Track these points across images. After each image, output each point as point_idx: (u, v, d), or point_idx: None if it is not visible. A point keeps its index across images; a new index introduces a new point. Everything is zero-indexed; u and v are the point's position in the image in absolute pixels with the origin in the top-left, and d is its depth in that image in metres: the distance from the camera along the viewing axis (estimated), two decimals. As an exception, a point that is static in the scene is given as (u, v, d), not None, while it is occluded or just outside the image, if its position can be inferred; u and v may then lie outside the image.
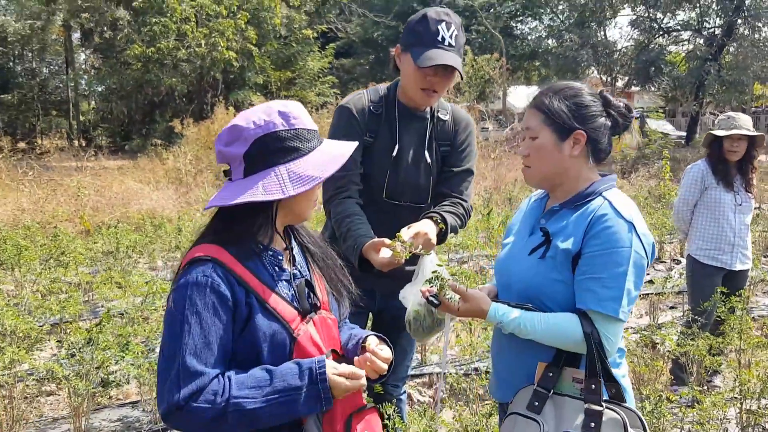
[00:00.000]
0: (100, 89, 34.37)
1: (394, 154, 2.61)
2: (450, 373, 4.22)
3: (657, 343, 4.66)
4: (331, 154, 1.67)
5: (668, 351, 4.36)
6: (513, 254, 2.09)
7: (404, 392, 3.00)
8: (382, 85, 2.77)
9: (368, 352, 1.68)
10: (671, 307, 6.50)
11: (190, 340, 1.48)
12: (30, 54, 37.32)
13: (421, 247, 2.20)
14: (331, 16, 33.69)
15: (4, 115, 31.30)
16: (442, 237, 2.46)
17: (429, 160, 2.66)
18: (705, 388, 4.20)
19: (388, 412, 2.76)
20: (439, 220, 2.45)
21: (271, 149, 1.59)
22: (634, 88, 32.49)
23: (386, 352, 1.74)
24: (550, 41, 34.53)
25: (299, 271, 1.75)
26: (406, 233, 2.23)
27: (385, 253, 2.25)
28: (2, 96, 32.09)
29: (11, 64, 35.55)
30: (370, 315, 2.89)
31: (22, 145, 23.83)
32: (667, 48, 30.40)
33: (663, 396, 3.17)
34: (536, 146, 1.97)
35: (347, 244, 2.41)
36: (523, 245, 2.04)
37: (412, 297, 2.11)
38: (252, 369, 1.54)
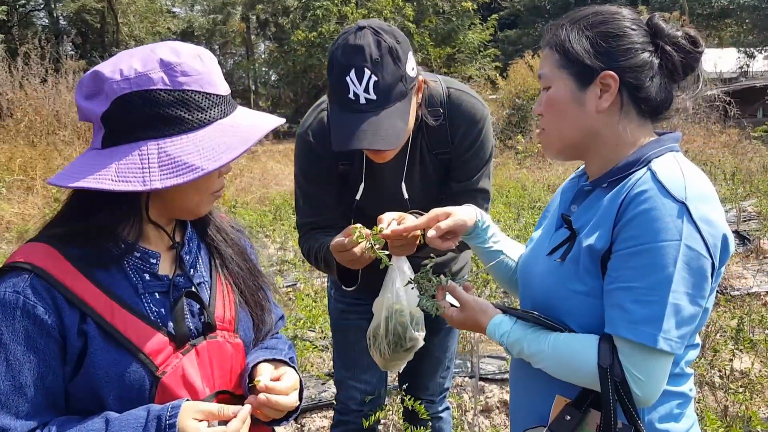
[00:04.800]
0: (273, 77, 36.49)
1: (358, 197, 1.97)
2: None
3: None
4: (234, 134, 1.17)
5: None
6: (535, 254, 1.53)
7: (446, 408, 2.47)
8: None
9: (260, 392, 1.22)
10: None
11: None
12: (216, 47, 40.51)
13: (386, 251, 1.65)
14: (494, -14, 32.52)
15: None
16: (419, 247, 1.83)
17: (406, 196, 1.97)
18: None
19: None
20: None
21: (138, 116, 1.12)
22: None
23: (287, 379, 1.27)
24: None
25: (188, 278, 1.29)
26: (390, 222, 1.66)
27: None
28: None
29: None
30: None
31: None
32: None
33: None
34: (549, 99, 1.39)
35: (326, 260, 1.91)
36: (548, 242, 1.48)
37: (375, 311, 1.62)
38: (88, 418, 1.13)
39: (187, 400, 1.16)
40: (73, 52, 22.19)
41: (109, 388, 1.14)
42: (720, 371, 3.36)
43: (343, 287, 1.96)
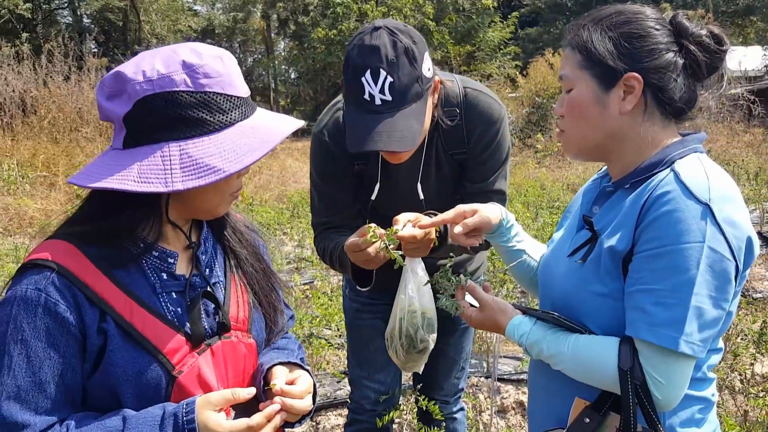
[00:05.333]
0: (293, 75, 36.65)
1: (374, 197, 1.96)
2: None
3: None
4: (255, 136, 1.17)
5: None
6: (556, 255, 1.51)
7: (461, 409, 2.45)
8: None
9: (276, 395, 1.22)
10: None
11: (10, 378, 1.09)
12: (236, 45, 40.76)
13: (400, 252, 1.65)
14: (514, -16, 32.34)
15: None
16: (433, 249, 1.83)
17: (422, 196, 1.95)
18: None
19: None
20: (440, 230, 1.79)
21: (160, 117, 1.12)
22: None
23: (302, 383, 1.27)
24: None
25: (204, 278, 1.30)
26: (404, 224, 1.67)
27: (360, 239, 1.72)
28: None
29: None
30: None
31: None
32: None
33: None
34: (571, 101, 1.36)
35: (340, 260, 1.90)
36: (569, 243, 1.46)
37: (392, 312, 1.62)
38: (106, 415, 1.14)
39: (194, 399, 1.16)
40: (96, 50, 22.44)
41: (127, 386, 1.15)
42: (740, 375, 3.30)
43: (358, 287, 1.96)
